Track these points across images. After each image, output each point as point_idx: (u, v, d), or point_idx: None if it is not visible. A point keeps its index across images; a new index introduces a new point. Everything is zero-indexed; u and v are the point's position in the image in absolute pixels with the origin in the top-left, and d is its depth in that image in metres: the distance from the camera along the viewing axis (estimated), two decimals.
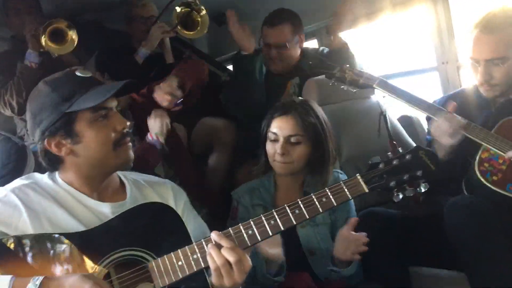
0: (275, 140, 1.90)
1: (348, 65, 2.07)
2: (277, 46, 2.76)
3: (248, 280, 1.66)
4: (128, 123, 1.46)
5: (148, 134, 2.29)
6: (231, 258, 1.28)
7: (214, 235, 1.33)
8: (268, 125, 1.93)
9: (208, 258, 1.30)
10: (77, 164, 1.42)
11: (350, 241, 1.72)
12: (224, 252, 1.29)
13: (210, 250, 1.31)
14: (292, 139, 1.88)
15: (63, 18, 2.60)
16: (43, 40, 2.48)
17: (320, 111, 1.97)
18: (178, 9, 3.03)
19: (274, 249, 1.64)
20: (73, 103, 1.37)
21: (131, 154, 1.47)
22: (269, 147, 1.92)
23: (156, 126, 2.31)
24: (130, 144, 1.47)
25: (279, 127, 1.89)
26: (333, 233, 1.87)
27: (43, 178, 1.47)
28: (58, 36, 2.53)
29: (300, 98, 1.98)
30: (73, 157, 1.42)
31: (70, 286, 1.15)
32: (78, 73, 1.42)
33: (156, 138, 2.27)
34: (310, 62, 2.57)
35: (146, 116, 2.36)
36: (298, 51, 2.84)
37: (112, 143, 1.41)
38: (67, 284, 1.16)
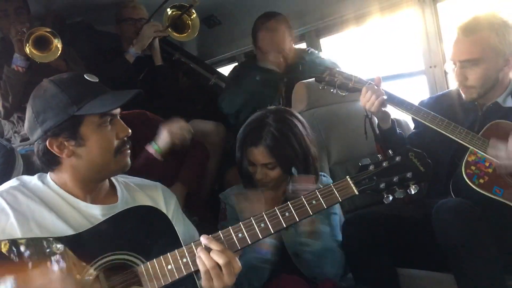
0: (254, 165, 1.91)
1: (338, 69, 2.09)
2: (280, 51, 2.81)
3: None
4: (130, 131, 1.47)
5: (148, 146, 2.19)
6: (220, 260, 1.29)
7: (203, 239, 1.33)
8: (244, 154, 1.93)
9: (198, 261, 1.30)
10: (76, 167, 1.42)
11: None
12: (213, 254, 1.29)
13: (199, 253, 1.31)
14: (269, 166, 1.89)
15: (53, 21, 2.58)
16: (26, 47, 2.45)
17: (295, 122, 1.93)
18: (169, 11, 3.02)
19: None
20: (82, 106, 1.37)
21: (129, 161, 1.49)
22: (251, 170, 1.93)
23: (162, 140, 2.18)
24: (128, 151, 1.48)
25: (253, 158, 1.90)
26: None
27: (32, 180, 1.46)
28: (42, 44, 2.51)
29: (273, 112, 1.96)
30: (73, 159, 1.41)
31: None
32: (87, 77, 1.43)
33: (154, 153, 2.18)
34: (300, 68, 2.59)
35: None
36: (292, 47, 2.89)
37: (114, 150, 1.43)
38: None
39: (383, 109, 1.96)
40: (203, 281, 1.30)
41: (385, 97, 1.94)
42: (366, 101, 1.95)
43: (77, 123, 1.38)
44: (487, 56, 1.86)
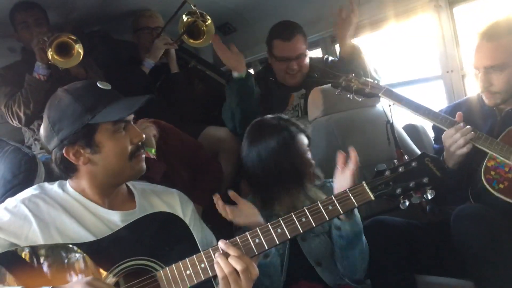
0: None
1: (354, 74, 2.08)
2: (298, 58, 2.77)
3: None
4: (143, 136, 1.50)
5: None
6: (238, 266, 1.29)
7: (221, 244, 1.34)
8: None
9: (216, 266, 1.31)
10: (93, 173, 1.45)
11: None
12: (231, 260, 1.30)
13: (217, 258, 1.31)
14: None
15: (71, 31, 2.63)
16: (49, 53, 2.51)
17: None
18: (184, 18, 3.06)
19: (251, 219, 1.66)
20: (95, 114, 1.40)
21: (144, 165, 1.51)
22: None
23: (146, 141, 2.20)
24: (143, 156, 1.51)
25: None
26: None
27: (53, 187, 1.49)
28: (64, 50, 2.56)
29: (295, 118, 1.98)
30: (89, 166, 1.44)
31: None
32: (99, 85, 1.45)
33: (150, 155, 2.20)
34: (316, 75, 2.58)
35: None
36: (307, 62, 2.86)
37: (129, 155, 1.45)
38: None
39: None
40: (221, 286, 1.31)
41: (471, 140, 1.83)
42: (453, 141, 1.84)
43: (92, 131, 1.41)
44: (511, 61, 1.84)
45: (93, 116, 1.39)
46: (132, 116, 1.49)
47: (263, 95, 2.84)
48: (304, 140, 1.92)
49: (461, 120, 1.88)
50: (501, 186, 1.77)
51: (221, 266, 1.30)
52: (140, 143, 1.49)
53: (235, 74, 2.62)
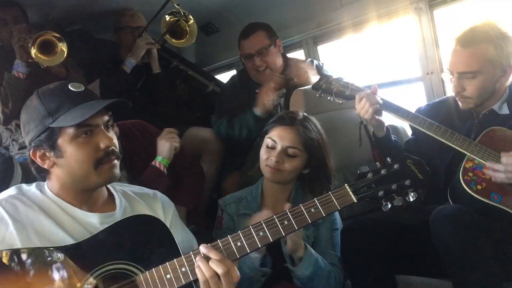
0: (272, 148, 1.90)
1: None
2: (259, 53, 2.78)
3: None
4: (114, 141, 1.43)
5: (154, 161, 2.20)
6: (219, 270, 1.29)
7: (202, 248, 1.33)
8: (267, 132, 1.95)
9: (197, 270, 1.31)
10: (60, 177, 1.42)
11: None
12: (213, 264, 1.29)
13: (198, 262, 1.31)
14: (290, 151, 1.89)
15: (52, 29, 2.59)
16: (32, 51, 2.46)
17: (320, 128, 2.01)
18: (167, 17, 3.04)
19: None
20: (56, 118, 1.36)
21: (116, 172, 1.44)
22: (263, 152, 1.93)
23: (164, 150, 2.21)
24: (115, 162, 1.43)
25: (279, 136, 1.91)
26: (316, 245, 1.88)
27: (31, 188, 1.46)
28: (47, 48, 2.52)
29: (304, 113, 2.00)
30: (57, 169, 1.41)
31: None
32: (70, 87, 1.40)
33: (160, 166, 2.18)
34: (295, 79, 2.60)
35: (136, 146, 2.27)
36: (280, 58, 2.87)
37: (93, 162, 1.39)
38: None
39: (377, 117, 1.96)
40: None
41: (379, 105, 1.94)
42: (360, 108, 1.96)
43: (54, 135, 1.37)
44: (485, 69, 1.87)
45: (54, 120, 1.36)
46: (103, 119, 1.41)
47: (241, 93, 2.86)
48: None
49: (375, 90, 1.98)
50: (479, 187, 1.80)
51: (202, 270, 1.29)
52: (110, 149, 1.41)
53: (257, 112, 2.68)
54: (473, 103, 1.94)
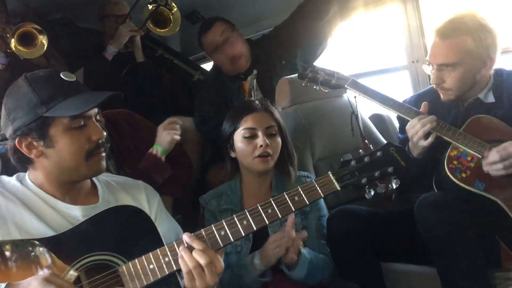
0: (252, 136, 1.89)
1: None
2: (226, 41, 2.75)
3: (234, 283, 1.66)
4: (104, 134, 1.42)
5: (151, 150, 2.17)
6: (202, 260, 1.28)
7: (185, 237, 1.32)
8: (237, 125, 1.92)
9: (180, 260, 1.29)
10: (46, 167, 1.39)
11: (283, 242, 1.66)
12: (196, 254, 1.28)
13: (181, 252, 1.30)
14: (271, 130, 1.91)
15: (33, 18, 2.54)
16: (12, 43, 2.42)
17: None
18: (149, 6, 3.00)
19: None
20: (50, 108, 1.33)
21: (103, 164, 1.43)
22: (245, 146, 1.90)
23: (165, 142, 2.18)
24: (103, 154, 1.43)
25: (256, 121, 1.90)
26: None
27: (11, 180, 1.43)
28: (27, 40, 2.47)
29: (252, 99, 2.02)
30: (43, 160, 1.38)
31: None
32: (62, 76, 1.37)
33: (159, 155, 2.15)
34: (284, 62, 2.58)
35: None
36: (245, 45, 2.84)
37: (85, 153, 1.38)
38: None
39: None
40: (186, 281, 1.29)
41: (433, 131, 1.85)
42: (415, 132, 1.86)
43: (46, 124, 1.34)
44: (464, 60, 1.87)
45: (48, 109, 1.33)
46: (94, 111, 1.41)
47: (219, 93, 2.82)
48: None
49: (425, 111, 1.90)
50: (464, 175, 1.81)
51: (185, 260, 1.28)
52: (100, 141, 1.41)
53: None
54: (454, 95, 1.95)
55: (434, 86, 1.98)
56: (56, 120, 1.34)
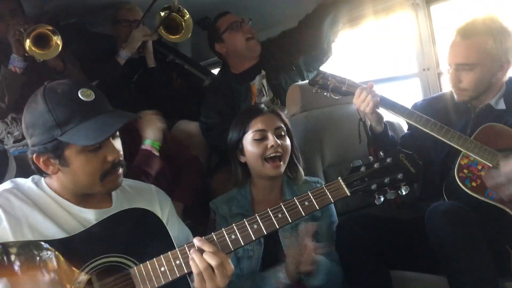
0: (262, 138, 1.90)
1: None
2: (243, 21, 2.81)
3: None
4: (121, 152, 1.42)
5: (141, 145, 2.19)
6: (213, 262, 1.29)
7: (196, 241, 1.33)
8: (246, 129, 1.93)
9: (191, 262, 1.30)
10: (63, 181, 1.41)
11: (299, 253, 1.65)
12: (206, 256, 1.29)
13: (192, 254, 1.31)
14: (280, 132, 1.92)
15: (47, 23, 2.57)
16: (27, 45, 2.45)
17: None
18: (161, 13, 3.03)
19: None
20: (65, 131, 1.33)
21: (119, 182, 1.44)
22: (254, 148, 1.90)
23: (149, 132, 2.20)
24: (120, 172, 1.43)
25: (265, 123, 1.91)
26: (317, 242, 1.87)
27: (27, 182, 1.45)
28: (42, 41, 2.50)
29: (264, 98, 2.03)
30: (60, 175, 1.40)
31: None
32: (80, 95, 1.34)
33: (150, 148, 2.16)
34: (294, 68, 2.59)
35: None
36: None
37: (100, 174, 1.38)
38: None
39: (377, 110, 1.96)
40: (196, 283, 1.30)
41: (379, 98, 1.94)
42: (361, 101, 1.95)
43: (62, 146, 1.34)
44: (483, 62, 1.87)
45: (63, 133, 1.32)
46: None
47: (226, 96, 2.83)
48: None
49: (372, 86, 1.98)
50: (474, 184, 1.80)
51: (195, 262, 1.29)
52: (116, 160, 1.40)
53: None
54: (469, 96, 1.94)
55: (451, 86, 1.98)
56: (71, 143, 1.34)
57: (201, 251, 1.31)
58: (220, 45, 2.87)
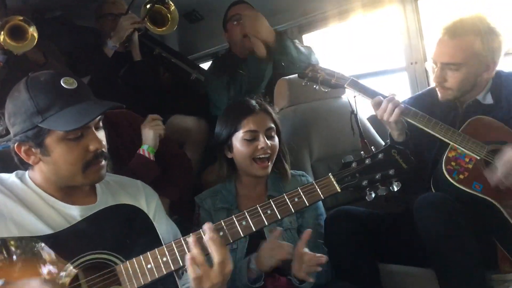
0: (253, 139, 1.89)
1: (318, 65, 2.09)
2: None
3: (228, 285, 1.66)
4: (103, 143, 1.40)
5: (139, 149, 2.16)
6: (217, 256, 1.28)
7: (207, 227, 1.31)
8: (237, 127, 1.92)
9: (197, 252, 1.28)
10: (45, 172, 1.39)
11: (303, 261, 1.65)
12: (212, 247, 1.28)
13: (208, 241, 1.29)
14: (271, 133, 1.92)
15: (30, 16, 2.52)
16: (1, 38, 2.39)
17: None
18: (147, 6, 2.99)
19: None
20: (46, 118, 1.31)
21: (102, 174, 1.42)
22: (244, 148, 1.89)
23: (149, 138, 2.17)
24: (103, 163, 1.41)
25: (256, 123, 1.90)
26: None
27: (10, 177, 1.43)
28: (17, 33, 2.44)
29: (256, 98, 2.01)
30: (42, 165, 1.38)
31: None
32: (62, 83, 1.34)
33: (147, 154, 2.15)
34: (283, 63, 2.58)
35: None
36: (268, 33, 2.84)
37: (82, 164, 1.36)
38: None
39: (401, 119, 1.89)
40: (190, 272, 1.28)
41: (403, 106, 1.87)
42: (383, 111, 1.87)
43: (42, 133, 1.32)
44: (469, 62, 1.87)
45: (44, 119, 1.31)
46: (95, 120, 1.37)
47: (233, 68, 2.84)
48: None
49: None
50: (461, 176, 1.81)
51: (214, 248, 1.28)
52: (99, 150, 1.38)
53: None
54: (453, 95, 1.95)
55: (435, 84, 1.98)
56: (51, 130, 1.32)
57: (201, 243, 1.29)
58: (225, 33, 2.93)
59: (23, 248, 1.24)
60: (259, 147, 1.87)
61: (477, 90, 1.96)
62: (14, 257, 1.22)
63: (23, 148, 1.36)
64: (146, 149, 2.16)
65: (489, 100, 1.97)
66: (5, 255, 1.22)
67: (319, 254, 1.66)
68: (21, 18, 2.44)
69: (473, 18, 1.89)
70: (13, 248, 1.23)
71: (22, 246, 1.24)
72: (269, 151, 1.88)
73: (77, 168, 1.36)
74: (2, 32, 2.39)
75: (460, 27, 1.87)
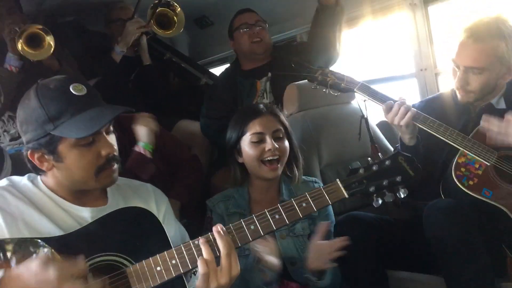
0: (260, 141, 1.89)
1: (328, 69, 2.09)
2: (257, 25, 2.80)
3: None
4: (115, 147, 1.42)
5: (136, 146, 2.18)
6: (224, 250, 1.30)
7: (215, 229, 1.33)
8: (244, 131, 1.93)
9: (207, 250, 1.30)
10: (58, 178, 1.40)
11: (321, 251, 1.67)
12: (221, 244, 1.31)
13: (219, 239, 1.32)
14: (278, 134, 1.92)
15: (44, 21, 2.56)
16: (19, 45, 2.43)
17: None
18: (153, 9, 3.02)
19: (270, 256, 1.64)
20: (58, 125, 1.33)
21: (115, 177, 1.43)
22: (251, 150, 1.90)
23: (143, 135, 2.19)
24: (115, 167, 1.42)
25: (263, 125, 1.90)
26: None
27: (22, 180, 1.44)
28: (34, 41, 2.49)
29: (264, 101, 2.02)
30: (55, 171, 1.40)
31: (35, 275, 1.11)
32: (72, 90, 1.35)
33: (143, 151, 2.16)
34: (293, 65, 2.59)
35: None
36: (269, 41, 2.88)
37: (95, 169, 1.38)
38: (28, 274, 1.12)
39: (415, 123, 1.87)
40: (201, 268, 1.29)
41: (415, 110, 1.86)
42: (394, 115, 1.86)
43: (55, 141, 1.34)
44: (492, 66, 1.85)
45: (55, 127, 1.33)
46: (106, 125, 1.39)
47: (231, 89, 2.83)
48: None
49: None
50: (471, 182, 1.80)
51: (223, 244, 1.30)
52: (111, 155, 1.39)
53: None
54: (474, 97, 1.93)
55: (456, 87, 1.96)
56: (64, 137, 1.34)
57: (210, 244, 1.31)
58: (231, 41, 2.92)
59: (22, 251, 1.22)
60: (266, 149, 1.87)
61: (492, 94, 1.95)
62: (16, 259, 1.21)
63: (36, 155, 1.38)
64: (142, 146, 2.16)
65: (502, 105, 1.95)
66: (2, 257, 1.20)
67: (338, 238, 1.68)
68: (40, 26, 2.50)
69: (496, 21, 1.86)
70: (11, 250, 1.22)
71: (22, 248, 1.23)
72: (277, 153, 1.88)
73: (90, 173, 1.38)
74: (20, 40, 2.44)
75: (485, 31, 1.84)
